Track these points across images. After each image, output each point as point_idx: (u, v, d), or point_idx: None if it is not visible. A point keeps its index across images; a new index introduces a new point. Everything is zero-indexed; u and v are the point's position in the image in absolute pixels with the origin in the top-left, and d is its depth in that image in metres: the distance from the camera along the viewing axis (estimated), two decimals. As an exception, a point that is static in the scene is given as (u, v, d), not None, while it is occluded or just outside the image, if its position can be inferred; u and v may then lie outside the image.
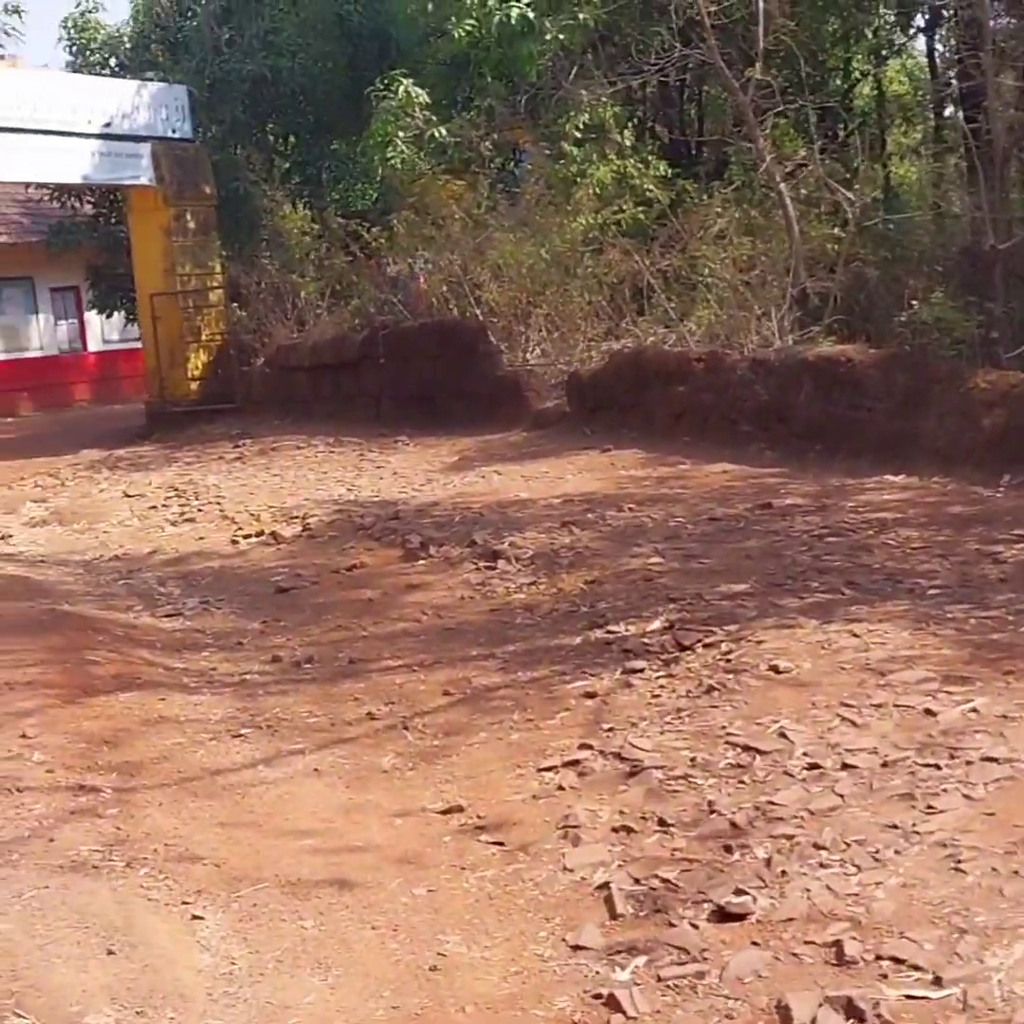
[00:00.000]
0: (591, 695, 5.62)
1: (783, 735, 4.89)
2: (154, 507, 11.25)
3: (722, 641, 6.06)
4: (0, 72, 16.18)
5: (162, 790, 4.68)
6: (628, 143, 16.98)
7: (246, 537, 9.73)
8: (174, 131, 18.42)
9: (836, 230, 13.52)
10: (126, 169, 17.75)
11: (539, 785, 4.72)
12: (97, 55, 20.47)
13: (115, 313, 22.75)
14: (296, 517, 10.13)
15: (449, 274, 15.54)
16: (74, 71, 20.30)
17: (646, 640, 6.28)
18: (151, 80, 18.86)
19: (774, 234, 13.67)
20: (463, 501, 10.16)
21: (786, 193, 13.41)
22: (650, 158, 16.67)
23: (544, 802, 4.57)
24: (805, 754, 4.68)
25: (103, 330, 28.01)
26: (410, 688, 6.02)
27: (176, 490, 11.92)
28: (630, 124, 17.37)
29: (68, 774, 4.73)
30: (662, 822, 4.29)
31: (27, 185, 21.25)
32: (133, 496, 11.88)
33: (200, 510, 10.81)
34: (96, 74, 20.17)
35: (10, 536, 10.51)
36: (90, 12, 20.75)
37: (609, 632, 6.52)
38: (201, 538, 9.93)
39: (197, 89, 19.13)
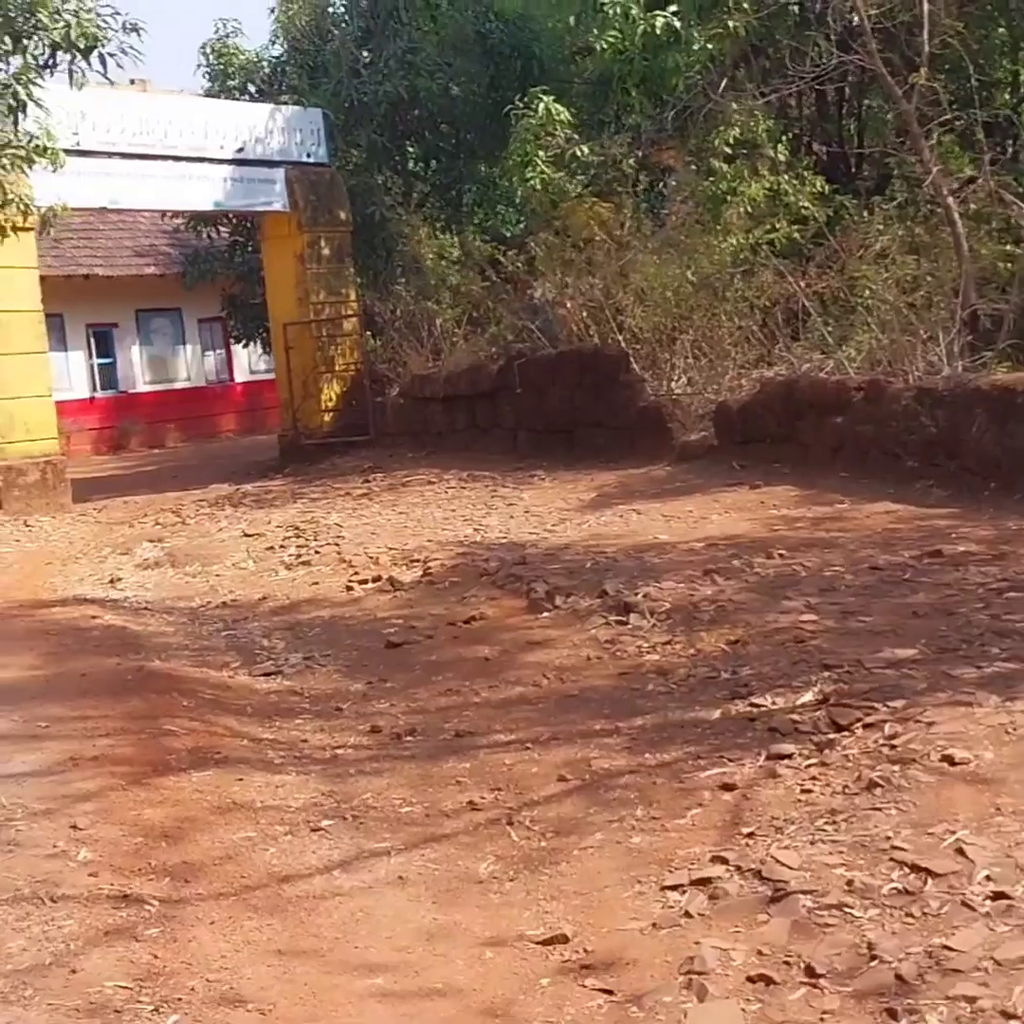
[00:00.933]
0: (729, 787, 4.84)
1: (961, 851, 4.04)
2: (271, 548, 10.78)
3: (885, 721, 5.22)
4: (129, 96, 16.06)
5: (217, 902, 4.05)
6: (782, 158, 16.11)
7: (362, 582, 9.16)
8: (309, 155, 18.17)
9: (1009, 247, 12.52)
10: (259, 195, 17.54)
11: (661, 909, 3.96)
12: (235, 80, 20.38)
13: (252, 343, 22.64)
14: (417, 560, 9.53)
15: (590, 299, 14.87)
16: (211, 97, 20.21)
17: (796, 717, 5.46)
18: (286, 103, 18.65)
19: (941, 252, 12.71)
20: (597, 544, 9.45)
21: (954, 207, 12.45)
22: (806, 174, 15.77)
23: (666, 933, 3.80)
24: (988, 878, 3.83)
25: (250, 361, 28.13)
26: (521, 770, 5.31)
27: (296, 529, 11.45)
28: (784, 138, 16.51)
29: (114, 878, 4.13)
30: (810, 970, 3.49)
31: (163, 214, 21.27)
32: (252, 535, 11.44)
33: (317, 552, 10.29)
34: (233, 99, 20.07)
35: (119, 580, 10.14)
36: (228, 36, 20.69)
37: (753, 705, 5.72)
38: (315, 583, 9.40)
39: (334, 112, 18.88)
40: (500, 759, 5.45)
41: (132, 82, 16.29)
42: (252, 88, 21.07)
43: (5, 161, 10.86)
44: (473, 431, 16.01)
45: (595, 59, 17.06)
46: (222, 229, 21.55)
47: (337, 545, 10.43)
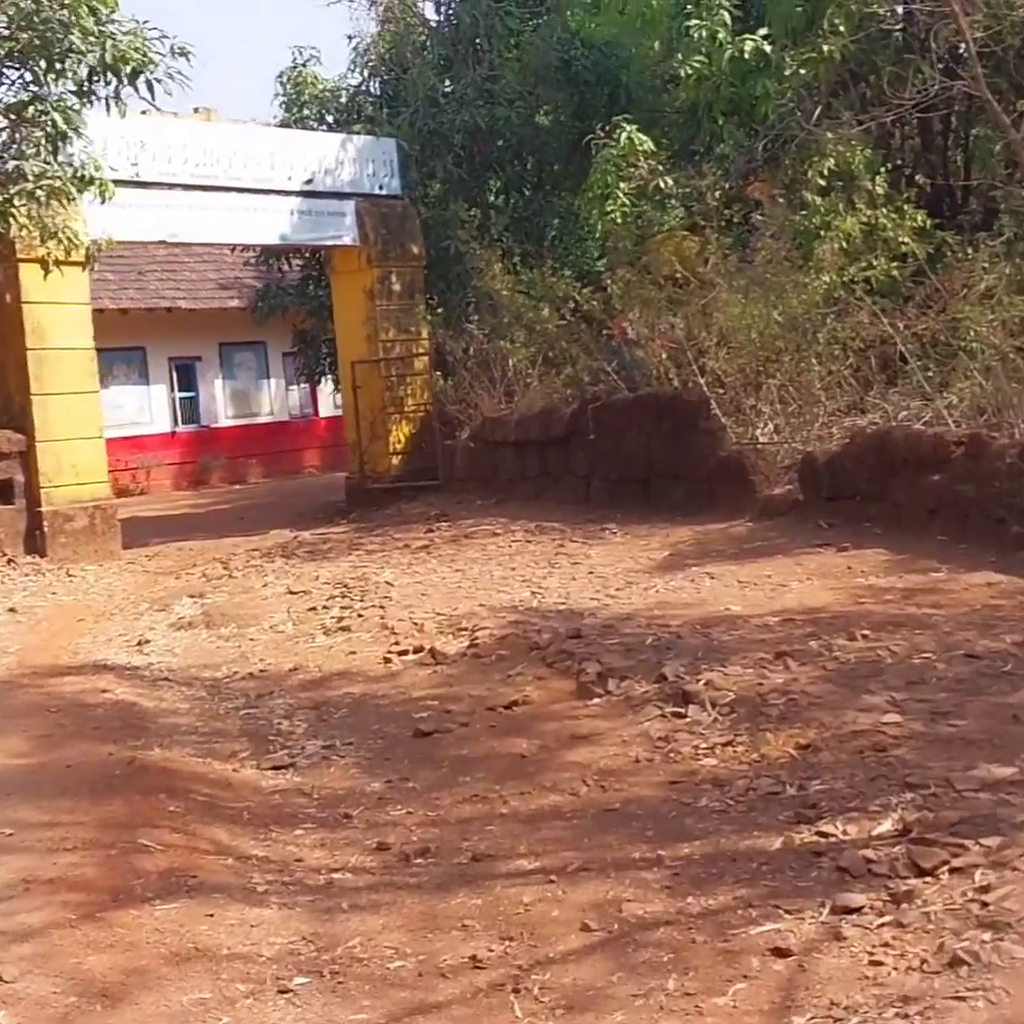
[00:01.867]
0: (782, 953, 4.05)
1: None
2: (314, 608, 10.15)
3: (976, 866, 4.41)
4: (191, 125, 15.69)
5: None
6: (881, 191, 15.24)
7: (402, 654, 8.47)
8: (381, 187, 17.67)
9: None
10: (328, 228, 17.07)
11: None
12: (310, 110, 19.99)
13: (323, 381, 22.21)
14: (464, 629, 8.82)
15: (671, 339, 14.12)
16: (285, 127, 19.84)
17: (870, 853, 4.67)
18: (359, 133, 18.19)
19: (1053, 293, 11.83)
20: (662, 615, 8.67)
21: (1069, 244, 11.55)
22: (906, 207, 14.89)
23: None
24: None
25: (334, 396, 27.73)
26: (539, 913, 4.56)
27: (344, 587, 10.81)
28: (883, 170, 15.65)
29: (22, 1061, 3.46)
30: None
31: (233, 248, 20.93)
32: (296, 593, 10.82)
33: (360, 615, 9.63)
34: (309, 129, 19.67)
35: (148, 642, 9.56)
36: (305, 64, 20.33)
37: (821, 834, 4.93)
38: (352, 653, 8.73)
39: (410, 143, 18.38)
40: (518, 895, 4.70)
41: (196, 111, 15.93)
42: (329, 118, 20.68)
43: (40, 193, 10.43)
44: (544, 478, 15.31)
45: (683, 83, 16.38)
46: (295, 262, 21.17)
47: (382, 608, 9.76)
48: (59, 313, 14.05)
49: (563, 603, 9.38)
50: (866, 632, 7.55)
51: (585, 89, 19.21)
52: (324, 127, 20.27)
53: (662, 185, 15.87)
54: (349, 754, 6.65)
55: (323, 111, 20.54)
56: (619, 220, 15.72)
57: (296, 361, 22.14)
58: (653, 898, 4.58)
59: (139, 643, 9.62)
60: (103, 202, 12.30)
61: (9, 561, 13.53)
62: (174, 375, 27.60)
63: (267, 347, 28.27)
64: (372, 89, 21.12)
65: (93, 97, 10.50)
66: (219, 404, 28.39)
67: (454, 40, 20.26)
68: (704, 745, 6.11)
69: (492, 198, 20.36)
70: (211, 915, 4.53)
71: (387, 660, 8.42)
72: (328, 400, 29.17)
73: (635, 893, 4.62)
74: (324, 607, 10.16)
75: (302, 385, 28.94)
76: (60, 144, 10.42)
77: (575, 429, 14.61)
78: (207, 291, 28.23)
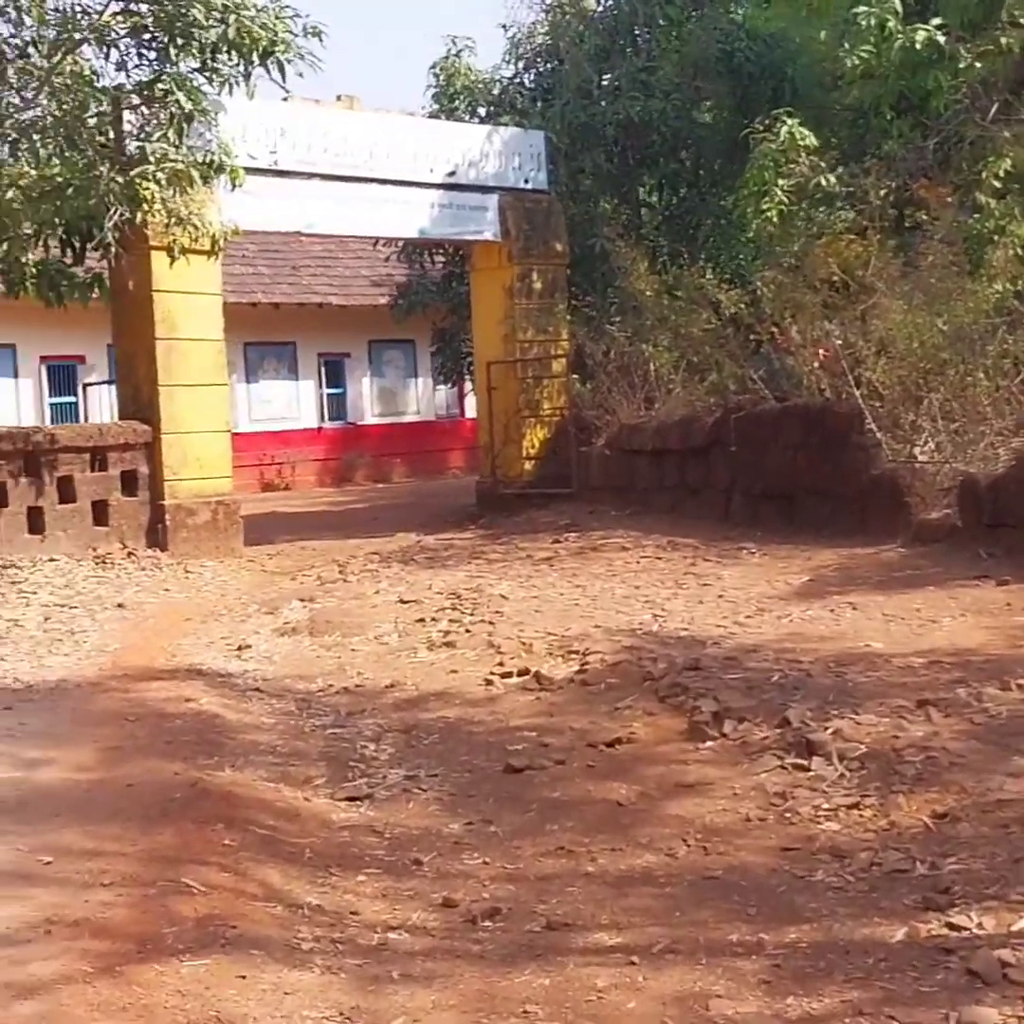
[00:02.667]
0: (894, 1083, 3.42)
1: None
2: (422, 620, 9.68)
3: None
4: (332, 114, 15.41)
5: None
6: (1062, 194, 14.26)
7: (505, 676, 7.95)
8: (526, 181, 17.21)
9: None
10: (469, 223, 16.66)
11: None
12: (461, 101, 19.62)
13: (462, 381, 21.85)
14: (575, 652, 8.26)
15: (824, 347, 13.34)
16: (434, 118, 19.52)
17: (1008, 954, 4.00)
18: (505, 124, 17.75)
19: None
20: (793, 648, 8.00)
21: None
22: (1090, 212, 13.88)
23: None
24: None
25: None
26: (613, 1002, 3.97)
27: (456, 599, 10.34)
28: (1065, 171, 14.62)
29: None
30: None
31: (375, 241, 20.66)
32: (407, 602, 10.38)
33: (468, 630, 9.13)
34: (459, 121, 19.30)
35: (248, 647, 9.20)
36: (458, 54, 19.97)
37: (951, 926, 4.28)
38: (453, 671, 8.24)
39: (560, 136, 17.88)
40: (591, 977, 4.13)
41: (338, 99, 15.65)
42: (481, 110, 20.30)
43: (161, 176, 10.16)
44: (682, 490, 14.66)
45: (848, 76, 15.55)
46: (438, 258, 20.84)
47: (492, 624, 9.25)
48: (189, 303, 13.87)
49: (685, 629, 8.76)
50: (1022, 681, 6.79)
51: (748, 82, 18.51)
52: (475, 119, 19.90)
53: (823, 183, 15.06)
54: (432, 787, 6.14)
55: (474, 103, 20.17)
56: (775, 219, 14.96)
57: (436, 360, 21.76)
58: (747, 994, 3.96)
59: (239, 648, 9.27)
60: (232, 189, 12.06)
61: (129, 553, 13.38)
62: (323, 371, 27.87)
63: (415, 345, 28.28)
64: (526, 81, 20.67)
65: (219, 77, 10.17)
66: (366, 401, 28.63)
67: (612, 30, 19.71)
68: (826, 806, 5.47)
69: (642, 195, 19.74)
70: (243, 977, 4.06)
71: (488, 682, 7.91)
72: (474, 401, 28.99)
73: (727, 987, 4.02)
74: (432, 619, 9.70)
75: (450, 386, 28.78)
76: (186, 126, 10.14)
77: (717, 439, 13.94)
78: (359, 287, 28.32)
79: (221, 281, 14.39)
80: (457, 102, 19.57)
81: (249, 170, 13.46)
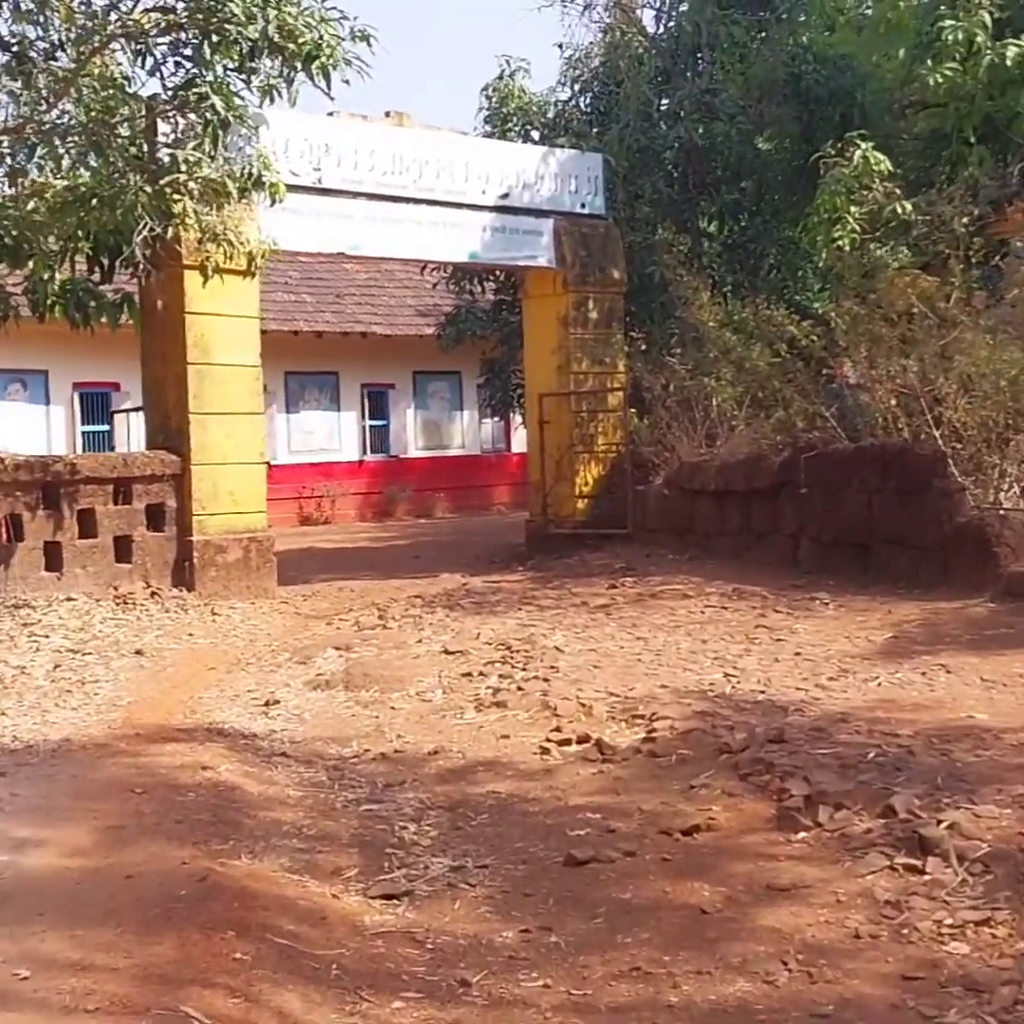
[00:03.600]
0: None
1: None
2: (469, 675, 8.89)
3: None
4: (380, 130, 14.73)
5: None
6: None
7: (563, 744, 7.15)
8: (583, 205, 16.53)
9: None
10: (522, 248, 15.97)
11: None
12: (514, 122, 18.98)
13: (511, 414, 21.12)
14: (640, 717, 7.46)
15: (903, 384, 12.52)
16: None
17: None
18: (562, 146, 17.08)
19: None
20: (886, 718, 7.17)
21: None
22: None
23: None
24: None
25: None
26: None
27: (506, 650, 9.55)
28: None
29: None
30: None
31: (422, 267, 20.01)
32: (452, 653, 9.59)
33: (520, 688, 8.33)
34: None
35: (276, 703, 8.43)
36: (512, 74, 19.35)
37: None
38: (504, 736, 7.44)
39: (617, 159, 17.19)
40: None
41: (387, 115, 14.97)
42: (535, 134, 19.65)
43: (194, 186, 9.49)
44: (746, 535, 13.84)
45: (930, 93, 14.77)
46: (488, 285, 20.17)
47: (546, 681, 8.45)
48: (224, 326, 13.19)
49: (762, 691, 7.93)
50: None
51: (814, 107, 17.83)
52: (529, 142, 19.26)
53: (899, 210, 14.28)
54: (481, 882, 5.33)
55: (528, 126, 19.53)
56: (847, 248, 14.20)
57: (484, 392, 21.05)
58: None
59: (266, 703, 8.50)
60: (272, 204, 11.41)
61: (153, 593, 12.68)
62: (366, 402, 27.48)
63: (461, 377, 27.93)
64: (582, 104, 20.03)
65: (258, 79, 9.50)
66: (410, 434, 28.28)
67: (673, 51, 19.07)
68: (950, 921, 4.62)
69: (703, 224, 19.00)
70: None
71: (545, 750, 7.11)
72: (522, 435, 28.41)
73: None
74: (480, 673, 8.90)
75: (496, 419, 28.18)
76: (221, 133, 9.46)
77: (785, 481, 13.13)
78: (405, 317, 28.08)
79: (258, 303, 13.70)
80: (511, 124, 18.92)
81: (291, 187, 12.84)
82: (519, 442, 29.21)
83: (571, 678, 8.53)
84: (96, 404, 23.44)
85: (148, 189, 9.41)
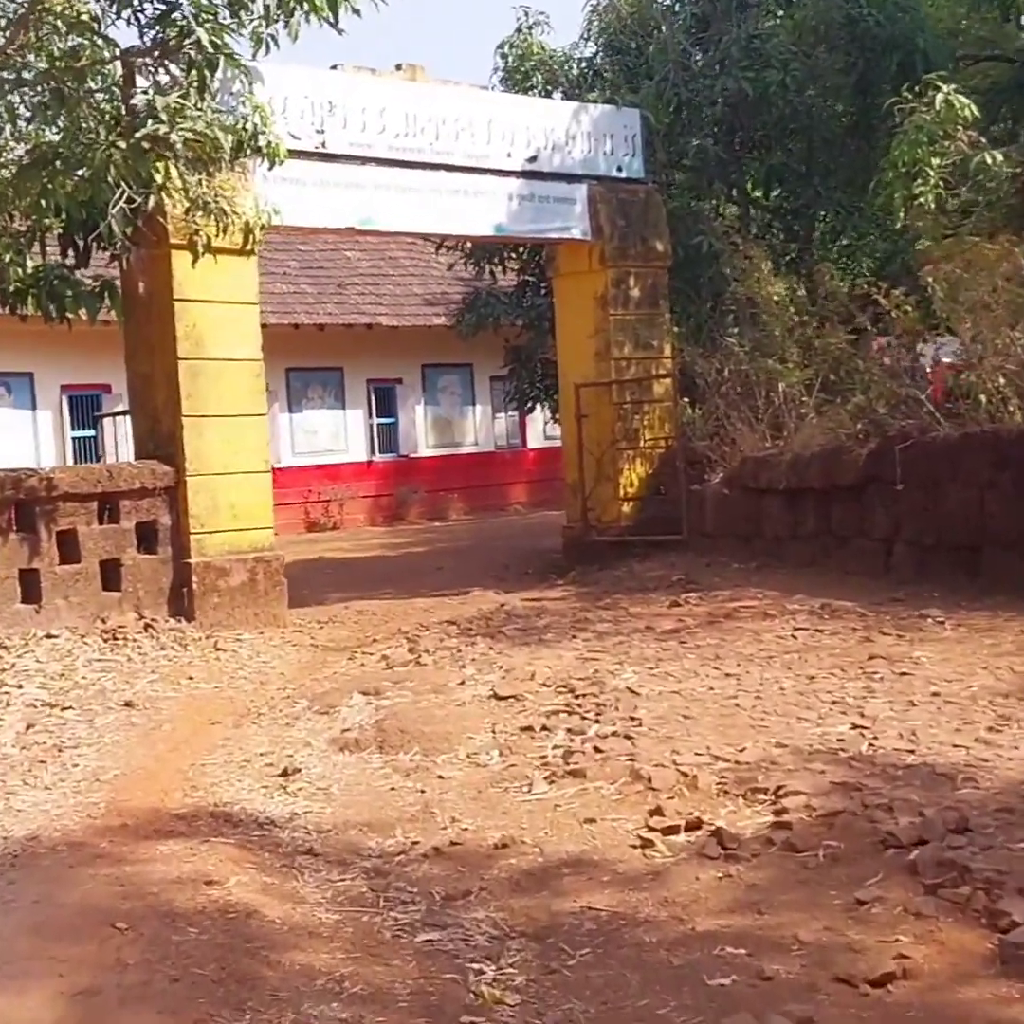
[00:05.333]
0: None
1: None
2: (529, 729, 7.44)
3: None
4: (392, 85, 13.26)
5: None
6: None
7: (668, 831, 5.70)
8: (620, 168, 15.05)
9: None
10: (552, 218, 14.50)
11: None
12: (536, 81, 17.48)
13: (541, 407, 19.65)
14: (761, 790, 6.01)
15: (1011, 359, 11.07)
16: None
17: None
18: (595, 102, 15.61)
19: None
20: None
21: None
22: None
23: None
24: None
25: (545, 425, 25.64)
26: None
27: (570, 693, 8.10)
28: None
29: None
30: None
31: (440, 243, 18.53)
32: (504, 699, 8.13)
33: (598, 749, 6.87)
34: (538, 100, 17.17)
35: (296, 772, 7.00)
36: (531, 28, 17.87)
37: None
38: (589, 820, 5.98)
39: (655, 116, 15.71)
40: None
41: (398, 68, 13.50)
42: (558, 95, 18.18)
43: (177, 141, 8.01)
44: (825, 539, 12.39)
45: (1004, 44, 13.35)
46: (509, 266, 18.69)
47: (629, 739, 6.99)
48: (219, 314, 11.71)
49: (910, 751, 6.46)
50: None
51: (872, 53, 16.32)
52: (553, 102, 17.81)
53: (989, 160, 12.82)
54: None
55: (550, 86, 18.03)
56: (932, 205, 12.73)
57: (508, 384, 19.58)
58: None
59: (284, 772, 7.06)
60: (271, 167, 9.96)
61: (146, 626, 11.23)
62: (373, 399, 26.52)
63: (474, 370, 27.13)
64: (606, 62, 18.54)
65: (250, 21, 8.04)
66: (420, 432, 27.35)
67: (711, -5, 17.54)
68: None
69: (750, 188, 17.50)
70: None
71: (646, 842, 5.65)
72: (538, 430, 27.61)
73: None
74: (544, 728, 7.44)
75: (510, 414, 26.99)
76: (208, 75, 8.02)
77: (872, 476, 11.67)
78: (412, 307, 27.28)
79: (257, 287, 12.22)
80: (532, 82, 17.43)
81: (291, 152, 11.41)
82: (535, 437, 28.12)
83: (660, 734, 7.07)
84: (87, 407, 22.17)
85: (122, 145, 7.95)
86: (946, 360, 13.42)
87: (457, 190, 13.63)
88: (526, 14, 18.13)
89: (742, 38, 15.98)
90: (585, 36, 18.75)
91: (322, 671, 9.87)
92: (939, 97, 13.08)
